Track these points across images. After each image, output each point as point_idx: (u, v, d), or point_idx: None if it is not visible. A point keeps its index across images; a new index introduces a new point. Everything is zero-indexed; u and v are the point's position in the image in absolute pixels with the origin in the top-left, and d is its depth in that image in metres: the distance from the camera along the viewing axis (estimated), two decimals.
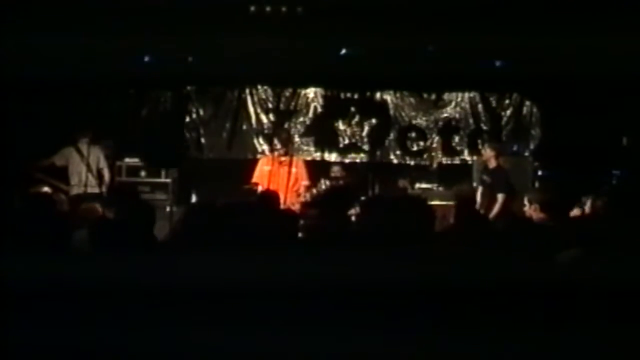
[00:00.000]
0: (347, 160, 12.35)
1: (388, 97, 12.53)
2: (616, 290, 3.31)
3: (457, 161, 12.35)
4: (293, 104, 12.58)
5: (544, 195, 6.68)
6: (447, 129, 12.44)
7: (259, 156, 12.06)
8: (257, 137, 12.57)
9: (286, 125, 12.39)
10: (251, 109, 12.58)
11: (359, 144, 12.55)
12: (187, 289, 3.28)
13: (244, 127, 12.59)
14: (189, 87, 12.53)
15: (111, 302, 3.21)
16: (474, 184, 11.04)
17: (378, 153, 12.53)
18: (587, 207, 6.66)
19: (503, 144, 11.48)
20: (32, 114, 10.46)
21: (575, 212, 6.70)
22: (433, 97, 12.46)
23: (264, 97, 12.60)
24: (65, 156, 10.08)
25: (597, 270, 3.66)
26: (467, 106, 12.40)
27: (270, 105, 12.60)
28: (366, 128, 12.54)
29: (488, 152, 10.00)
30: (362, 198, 9.87)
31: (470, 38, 8.69)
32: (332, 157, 12.47)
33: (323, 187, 9.81)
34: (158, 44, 9.71)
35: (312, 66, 10.47)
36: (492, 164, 9.90)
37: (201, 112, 12.60)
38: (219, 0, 8.63)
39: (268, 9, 9.27)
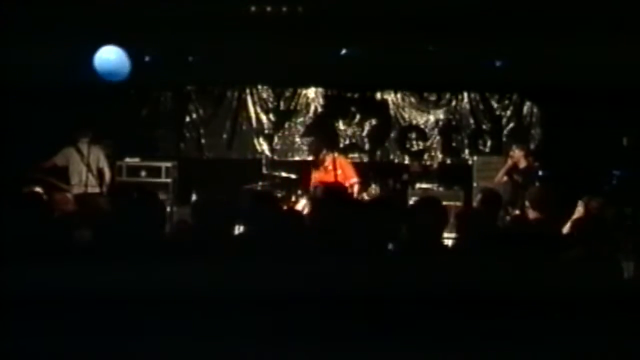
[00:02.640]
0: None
1: (389, 97, 12.56)
2: None
3: (457, 161, 12.37)
4: (293, 104, 12.59)
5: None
6: (447, 129, 12.48)
7: (258, 156, 12.15)
8: (257, 137, 12.58)
9: (286, 125, 12.47)
10: (251, 109, 12.58)
11: (359, 143, 12.56)
12: None
13: (244, 127, 12.61)
14: (189, 87, 12.56)
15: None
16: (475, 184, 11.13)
17: (378, 153, 12.54)
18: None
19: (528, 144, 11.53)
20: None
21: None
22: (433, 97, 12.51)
23: (264, 96, 12.61)
24: (65, 156, 10.06)
25: None
26: (468, 106, 12.43)
27: (270, 105, 12.61)
28: (366, 128, 12.56)
29: (517, 153, 10.04)
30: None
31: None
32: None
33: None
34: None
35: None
36: (523, 163, 9.96)
37: (201, 112, 12.61)
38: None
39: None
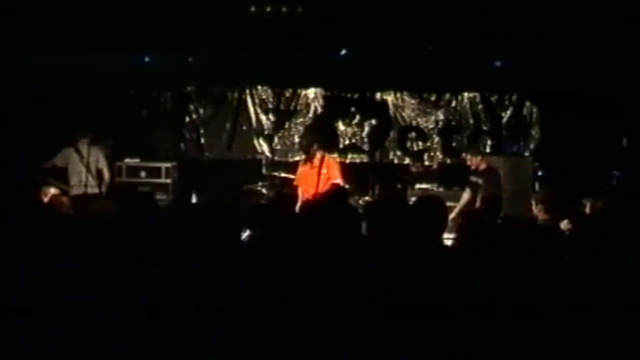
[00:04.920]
0: (347, 161, 12.33)
1: (388, 98, 12.55)
2: None
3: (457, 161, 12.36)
4: (293, 104, 12.58)
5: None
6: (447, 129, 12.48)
7: (258, 157, 12.14)
8: (257, 138, 12.57)
9: (286, 125, 12.47)
10: (251, 110, 12.57)
11: (359, 144, 12.55)
12: None
13: (244, 127, 12.60)
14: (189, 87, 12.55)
15: None
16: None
17: (378, 153, 12.54)
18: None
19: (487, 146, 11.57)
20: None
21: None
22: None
23: (264, 97, 12.60)
24: (65, 156, 10.05)
25: None
26: (467, 106, 12.43)
27: (270, 106, 12.60)
28: (366, 128, 12.55)
29: (474, 160, 10.02)
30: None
31: None
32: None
33: None
34: None
35: None
36: (482, 166, 9.95)
37: (201, 112, 12.60)
38: None
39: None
